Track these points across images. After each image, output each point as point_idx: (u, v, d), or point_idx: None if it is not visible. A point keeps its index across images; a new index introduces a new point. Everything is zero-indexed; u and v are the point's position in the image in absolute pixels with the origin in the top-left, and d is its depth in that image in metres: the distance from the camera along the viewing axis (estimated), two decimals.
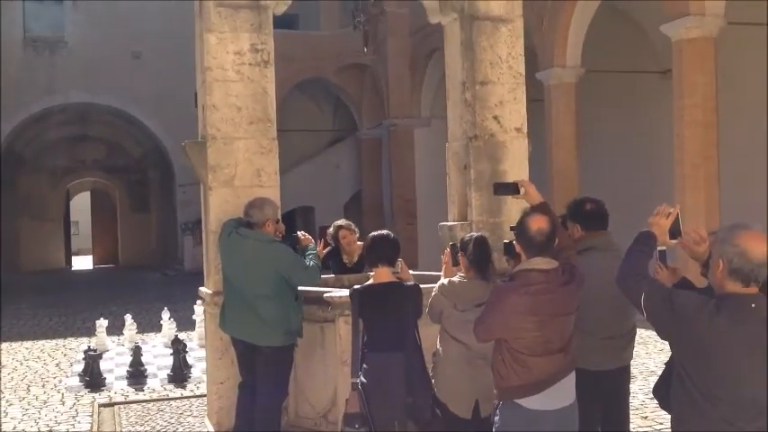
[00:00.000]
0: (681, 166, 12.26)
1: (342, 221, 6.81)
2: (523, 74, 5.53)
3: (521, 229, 3.42)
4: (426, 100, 21.34)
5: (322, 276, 5.74)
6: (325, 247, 5.37)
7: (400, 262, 4.31)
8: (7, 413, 7.45)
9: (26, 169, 27.05)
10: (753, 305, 2.57)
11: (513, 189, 3.96)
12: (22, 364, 9.96)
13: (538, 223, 3.37)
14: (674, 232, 3.11)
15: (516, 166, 5.37)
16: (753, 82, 13.65)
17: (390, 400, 3.96)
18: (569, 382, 3.42)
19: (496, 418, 3.44)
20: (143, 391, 8.30)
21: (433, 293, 4.02)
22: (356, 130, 24.67)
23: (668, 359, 3.03)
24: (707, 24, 11.90)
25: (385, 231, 4.24)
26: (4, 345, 11.37)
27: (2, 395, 8.07)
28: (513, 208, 4.97)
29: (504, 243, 3.95)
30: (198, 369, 8.80)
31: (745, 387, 2.60)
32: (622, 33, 15.91)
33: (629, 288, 2.87)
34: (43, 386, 8.64)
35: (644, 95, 15.92)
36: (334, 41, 22.64)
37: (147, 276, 23.36)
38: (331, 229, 6.70)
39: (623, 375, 4.14)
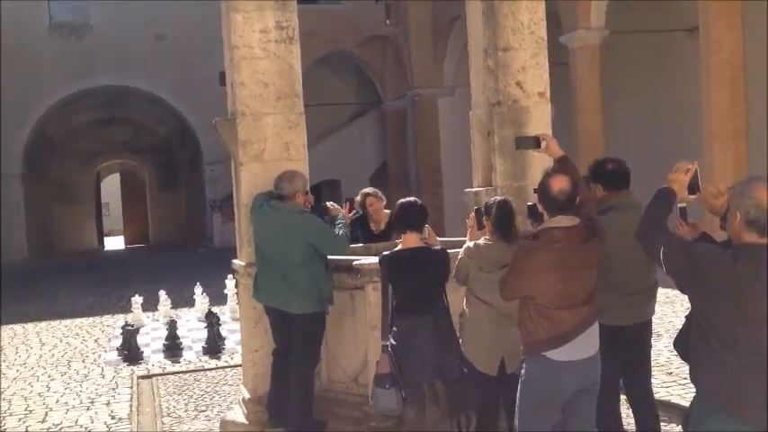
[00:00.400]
0: (709, 122, 12.25)
1: (369, 189, 6.90)
2: (545, 39, 5.55)
3: (543, 189, 3.52)
4: (449, 69, 21.28)
5: (351, 245, 5.88)
6: (350, 212, 5.47)
7: (427, 228, 4.42)
8: (50, 387, 7.73)
9: (57, 153, 27.45)
10: None
11: (534, 143, 4.05)
12: (61, 341, 10.27)
13: (559, 183, 3.47)
14: (693, 187, 3.17)
15: (540, 131, 5.33)
16: None
17: (419, 360, 4.10)
18: (593, 332, 3.55)
19: (522, 371, 3.57)
20: (179, 362, 8.55)
21: (460, 256, 4.12)
22: (380, 102, 24.68)
23: (688, 312, 3.11)
24: None
25: (413, 198, 4.35)
26: (44, 323, 11.70)
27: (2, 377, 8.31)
28: (537, 171, 5.01)
29: (528, 205, 4.04)
30: (231, 341, 9.04)
31: (763, 334, 2.68)
32: None
33: (649, 242, 2.96)
34: (83, 361, 8.92)
35: (670, 54, 15.75)
36: (354, 14, 22.56)
37: (178, 254, 23.72)
38: (359, 197, 6.80)
39: (645, 330, 4.24)
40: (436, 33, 20.89)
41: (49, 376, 8.24)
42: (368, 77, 25.03)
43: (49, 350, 9.68)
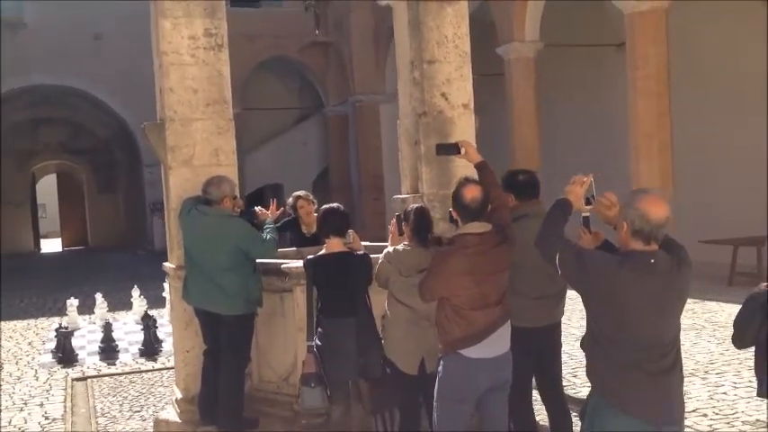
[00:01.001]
0: (635, 135, 12.65)
1: (301, 192, 7.01)
2: (469, 53, 5.79)
3: (456, 197, 3.76)
4: (391, 76, 21.46)
5: (283, 249, 6.03)
6: (278, 211, 5.62)
7: (352, 233, 4.60)
8: None
9: None
10: (652, 260, 2.90)
11: (454, 149, 4.27)
12: None
13: (471, 192, 3.71)
14: (589, 199, 3.42)
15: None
16: (704, 50, 14.03)
17: (344, 360, 4.29)
18: (505, 332, 3.80)
19: (439, 369, 3.79)
20: (115, 365, 8.58)
21: (380, 261, 4.32)
22: (322, 107, 24.81)
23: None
24: None
25: (335, 204, 4.54)
26: None
27: None
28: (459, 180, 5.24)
29: (449, 211, 4.26)
30: (168, 343, 9.03)
31: (648, 332, 2.93)
32: (580, 6, 16.18)
33: (546, 248, 3.19)
34: (16, 363, 8.86)
35: (601, 68, 16.25)
36: (297, 19, 22.60)
37: (117, 257, 23.45)
38: (290, 200, 6.93)
39: (554, 332, 4.49)
40: (377, 40, 21.10)
41: None
42: (310, 82, 25.14)
43: None
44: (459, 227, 3.84)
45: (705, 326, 8.79)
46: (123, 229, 28.40)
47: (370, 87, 21.58)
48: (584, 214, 3.63)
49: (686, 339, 7.73)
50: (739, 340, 3.55)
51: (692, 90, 13.80)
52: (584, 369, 3.24)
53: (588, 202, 3.41)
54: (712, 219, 13.13)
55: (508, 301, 3.82)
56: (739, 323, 3.56)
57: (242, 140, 23.10)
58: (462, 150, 4.25)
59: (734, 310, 3.65)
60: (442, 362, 3.80)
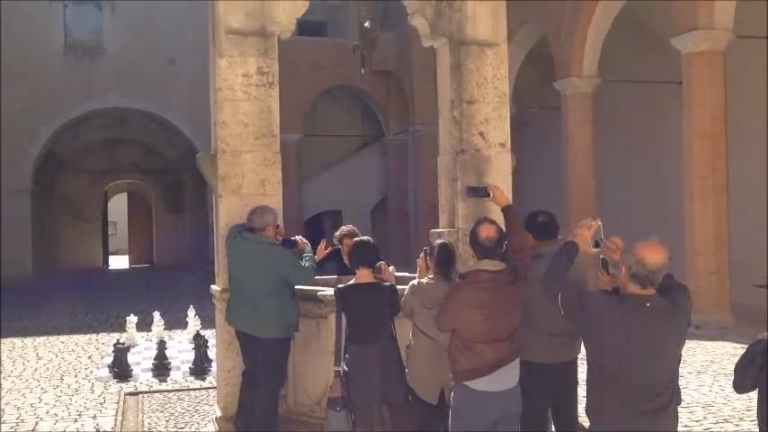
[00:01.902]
0: (690, 176, 12.58)
1: (347, 229, 7.28)
2: (507, 93, 6.02)
3: (472, 235, 3.99)
4: None
5: (327, 277, 6.32)
6: (325, 249, 5.93)
7: (383, 265, 4.85)
8: (41, 399, 8.15)
9: (66, 171, 28.04)
10: (648, 304, 3.06)
11: (483, 192, 4.50)
12: (57, 356, 10.69)
13: (486, 231, 3.93)
14: (598, 242, 3.59)
15: (500, 179, 5.85)
16: (762, 93, 13.90)
17: (368, 386, 4.52)
18: (514, 367, 3.98)
19: (451, 399, 3.99)
20: (166, 382, 8.95)
21: (405, 293, 4.55)
22: (383, 136, 25.22)
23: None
24: (715, 38, 12.24)
25: (366, 238, 4.80)
26: (42, 338, 12.13)
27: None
28: (496, 217, 5.44)
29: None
30: None
31: (642, 373, 3.09)
32: (640, 42, 16.20)
33: (550, 288, 3.38)
34: (75, 376, 9.32)
35: (661, 105, 16.20)
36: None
37: (179, 276, 24.14)
38: (337, 233, 7.22)
39: (571, 368, 4.62)
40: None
41: (41, 388, 8.66)
42: (372, 111, 25.61)
43: (44, 364, 10.09)
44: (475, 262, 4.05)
45: None
46: (187, 248, 29.22)
47: (429, 118, 21.80)
48: (602, 256, 3.80)
49: (728, 384, 7.69)
50: (739, 386, 3.65)
51: (748, 132, 13.67)
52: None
53: (597, 245, 3.59)
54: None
55: (519, 338, 3.99)
56: (739, 369, 3.67)
57: (303, 166, 23.69)
58: (491, 194, 4.47)
59: None
60: (452, 392, 4.00)
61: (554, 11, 16.00)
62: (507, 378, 3.94)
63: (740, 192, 12.88)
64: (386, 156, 25.15)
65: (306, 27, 21.36)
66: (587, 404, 3.31)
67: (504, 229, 4.05)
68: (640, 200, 16.83)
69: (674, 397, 3.16)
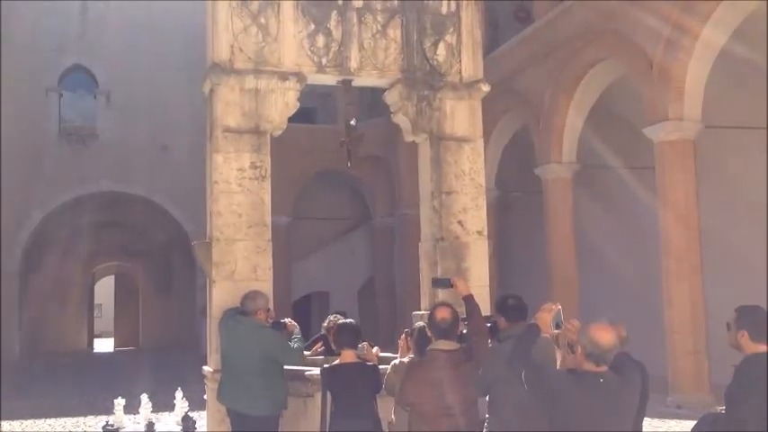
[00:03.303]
0: (666, 258, 13.03)
1: (334, 318, 7.61)
2: (484, 185, 6.49)
3: (430, 317, 4.38)
4: None
5: (313, 357, 6.63)
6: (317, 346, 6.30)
7: (366, 346, 5.20)
8: None
9: (54, 253, 28.25)
10: (601, 380, 3.43)
11: (447, 283, 4.90)
12: None
13: (442, 313, 4.34)
14: (558, 324, 3.97)
15: (478, 264, 6.26)
16: (734, 177, 14.52)
17: None
18: None
19: None
20: None
21: (387, 372, 4.89)
22: (370, 219, 25.73)
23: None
24: (685, 128, 12.88)
25: (349, 321, 5.17)
26: (29, 421, 12.19)
27: None
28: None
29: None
30: None
31: None
32: (617, 130, 16.90)
33: (515, 368, 3.74)
34: None
35: (637, 190, 16.79)
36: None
37: (166, 358, 24.11)
38: (325, 323, 7.54)
39: None
40: None
41: None
42: (360, 194, 26.19)
43: None
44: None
45: None
46: (174, 330, 29.20)
47: (416, 202, 22.20)
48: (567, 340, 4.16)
49: None
50: None
51: (721, 214, 14.21)
52: None
53: (558, 327, 3.96)
54: None
55: (474, 413, 4.32)
56: None
57: (292, 248, 24.07)
58: (454, 284, 4.89)
59: None
60: None
61: (533, 101, 16.77)
62: None
63: (716, 273, 13.30)
64: (373, 238, 25.59)
65: (296, 113, 21.97)
66: None
67: (457, 313, 4.45)
68: (622, 281, 17.25)
69: None
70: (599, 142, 16.73)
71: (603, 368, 3.44)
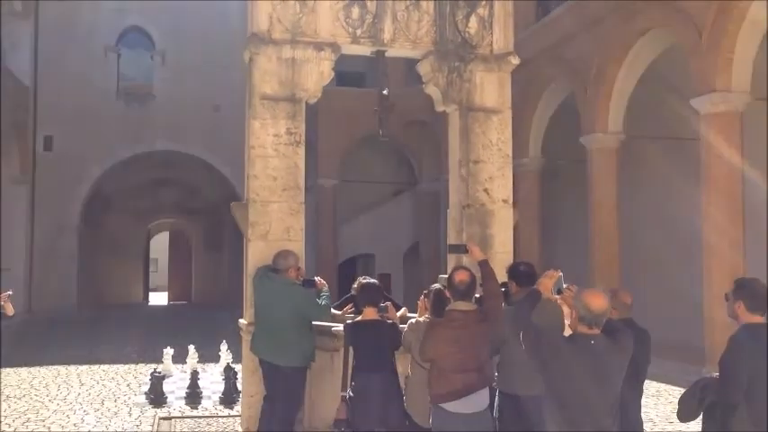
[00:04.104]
0: (707, 232, 13.01)
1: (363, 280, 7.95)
2: (510, 155, 6.69)
3: (449, 279, 4.65)
4: None
5: (345, 316, 6.98)
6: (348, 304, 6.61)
7: (389, 305, 5.52)
8: (84, 419, 8.91)
9: (111, 209, 29.25)
10: (592, 342, 3.68)
11: (462, 249, 5.16)
12: (98, 383, 11.46)
13: (460, 276, 4.61)
14: (559, 289, 4.21)
15: (502, 231, 6.51)
16: None
17: (370, 410, 5.15)
18: (482, 393, 4.62)
19: (431, 418, 4.63)
20: (197, 409, 9.64)
21: (405, 330, 5.21)
22: (416, 183, 25.97)
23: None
24: (732, 100, 12.75)
25: (372, 280, 5.48)
26: (84, 367, 12.93)
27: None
28: (497, 267, 6.07)
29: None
30: None
31: (588, 398, 3.69)
32: (664, 100, 16.72)
33: (513, 328, 4.01)
34: (115, 401, 10.07)
35: (684, 162, 16.66)
36: (398, 99, 23.95)
37: (215, 313, 24.94)
38: (355, 284, 7.88)
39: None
40: None
41: (84, 411, 9.43)
42: (407, 158, 26.41)
43: (87, 390, 10.87)
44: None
45: None
46: (225, 286, 30.05)
47: None
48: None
49: None
50: (682, 416, 4.21)
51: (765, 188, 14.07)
52: None
53: (559, 292, 4.21)
54: None
55: (488, 370, 4.61)
56: (681, 401, 4.24)
57: (339, 210, 24.52)
58: (469, 250, 5.16)
59: None
60: (431, 413, 4.63)
61: (580, 69, 16.68)
62: (476, 402, 4.59)
63: (759, 248, 13.25)
64: (419, 202, 25.85)
65: (346, 77, 22.31)
66: (545, 429, 3.90)
67: (474, 276, 4.72)
68: (663, 252, 17.23)
69: (616, 422, 3.74)
70: (646, 112, 16.60)
71: (596, 331, 3.68)
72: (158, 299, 33.67)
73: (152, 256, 35.27)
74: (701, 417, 4.25)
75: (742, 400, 3.96)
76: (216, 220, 31.10)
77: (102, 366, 13.05)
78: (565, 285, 4.15)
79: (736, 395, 3.98)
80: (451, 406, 4.52)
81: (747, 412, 3.93)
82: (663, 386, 11.34)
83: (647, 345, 4.80)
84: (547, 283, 4.19)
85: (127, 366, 13.13)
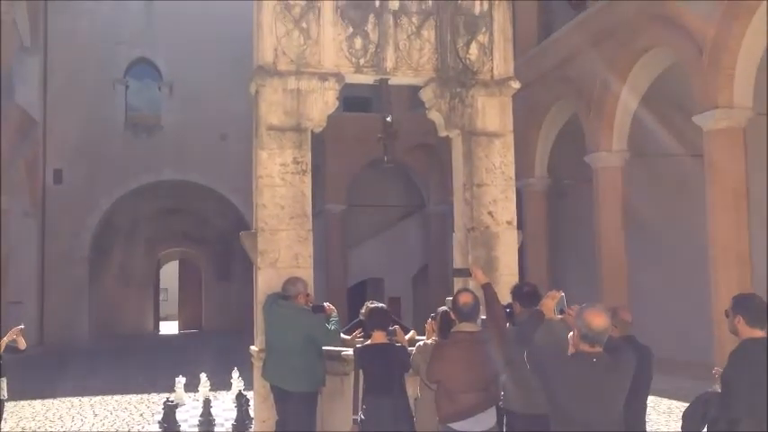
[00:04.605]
0: (713, 247, 13.05)
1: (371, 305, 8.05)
2: (513, 178, 6.81)
3: (453, 301, 4.76)
4: None
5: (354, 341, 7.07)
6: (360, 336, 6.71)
7: (397, 329, 5.61)
8: None
9: (122, 239, 29.45)
10: (594, 360, 3.76)
11: (466, 273, 5.26)
12: (111, 413, 11.55)
13: (464, 298, 4.71)
14: (562, 309, 4.30)
15: (508, 253, 6.60)
16: None
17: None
18: (489, 412, 4.70)
19: None
20: None
21: (413, 353, 5.30)
22: (424, 206, 26.08)
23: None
24: (735, 116, 12.85)
25: (380, 305, 5.58)
26: (98, 398, 13.01)
27: None
28: (503, 290, 6.15)
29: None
30: None
31: (589, 416, 3.76)
32: (669, 118, 16.81)
33: (518, 348, 4.09)
34: (128, 430, 10.14)
35: (689, 178, 16.72)
36: (404, 123, 24.18)
37: (226, 341, 24.98)
38: (363, 310, 7.98)
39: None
40: None
41: None
42: (414, 182, 26.54)
43: (101, 420, 10.95)
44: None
45: None
46: (234, 315, 30.12)
47: None
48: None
49: None
50: (686, 430, 4.28)
51: None
52: None
53: (561, 312, 4.29)
54: None
55: (494, 389, 4.70)
56: (685, 416, 4.31)
57: (347, 235, 24.62)
58: (473, 274, 5.27)
59: None
60: None
61: (584, 88, 16.82)
62: (483, 421, 4.68)
63: (762, 263, 13.26)
64: (427, 225, 25.93)
65: (351, 103, 22.50)
66: None
67: (477, 298, 4.82)
68: (672, 268, 17.24)
69: None
70: (650, 130, 16.71)
71: (597, 349, 3.76)
72: (169, 328, 33.76)
73: (162, 285, 35.40)
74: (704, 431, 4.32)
75: (744, 414, 4.03)
76: (225, 249, 31.23)
77: (114, 397, 13.13)
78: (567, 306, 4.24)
79: (739, 409, 4.04)
80: (459, 425, 4.61)
81: (749, 426, 4.00)
82: (675, 403, 11.33)
83: (648, 361, 4.87)
84: (549, 303, 4.28)
85: (139, 396, 13.21)
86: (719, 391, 4.25)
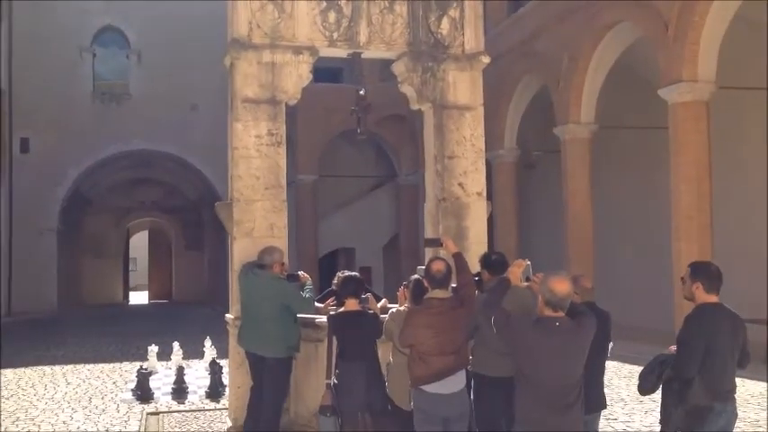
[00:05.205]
0: (676, 217, 13.39)
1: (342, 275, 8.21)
2: (483, 150, 6.99)
3: (426, 269, 4.95)
4: None
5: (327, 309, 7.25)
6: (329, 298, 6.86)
7: (369, 296, 5.80)
8: (72, 417, 9.10)
9: (90, 210, 29.27)
10: (557, 323, 3.98)
11: (437, 243, 5.45)
12: (84, 381, 11.63)
13: (436, 266, 4.91)
14: (528, 277, 4.51)
15: (477, 223, 6.80)
16: (747, 138, 14.77)
17: (354, 396, 5.44)
18: (459, 375, 4.92)
19: (412, 399, 4.93)
20: (184, 404, 9.85)
21: (386, 319, 5.49)
22: (395, 177, 26.25)
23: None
24: (699, 89, 13.14)
25: (352, 273, 5.76)
26: (70, 366, 13.09)
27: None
28: (473, 258, 6.35)
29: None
30: None
31: (554, 376, 3.99)
32: (635, 91, 17.11)
33: (487, 314, 4.30)
34: (102, 399, 10.25)
35: (654, 150, 17.06)
36: (376, 94, 24.21)
37: (197, 311, 25.10)
38: (335, 280, 8.15)
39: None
40: None
41: (72, 409, 9.60)
42: (385, 152, 26.67)
43: (74, 388, 11.03)
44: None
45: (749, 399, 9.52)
46: (205, 285, 30.20)
47: None
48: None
49: None
50: (642, 389, 4.55)
51: (733, 174, 14.50)
52: None
53: (527, 280, 4.51)
54: (752, 299, 13.66)
55: (464, 353, 4.92)
56: (642, 376, 4.57)
57: (319, 205, 24.73)
58: (444, 243, 5.47)
59: None
60: (412, 394, 4.92)
61: (552, 62, 17.03)
62: (453, 384, 4.89)
63: (726, 234, 13.65)
64: (398, 195, 26.13)
65: (323, 73, 22.44)
66: (515, 406, 4.20)
67: (450, 266, 5.02)
68: (636, 238, 17.66)
69: (581, 395, 4.05)
70: (618, 102, 16.98)
71: (560, 314, 3.98)
72: (138, 298, 33.71)
73: (131, 255, 35.28)
74: (659, 390, 4.59)
75: (697, 374, 4.29)
76: (195, 219, 31.21)
77: (86, 365, 13.20)
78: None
79: (692, 369, 4.31)
80: (431, 387, 4.81)
81: (702, 385, 4.27)
82: (636, 368, 11.61)
83: (608, 325, 5.12)
84: (516, 271, 4.49)
85: (111, 365, 13.29)
86: (674, 351, 4.51)
